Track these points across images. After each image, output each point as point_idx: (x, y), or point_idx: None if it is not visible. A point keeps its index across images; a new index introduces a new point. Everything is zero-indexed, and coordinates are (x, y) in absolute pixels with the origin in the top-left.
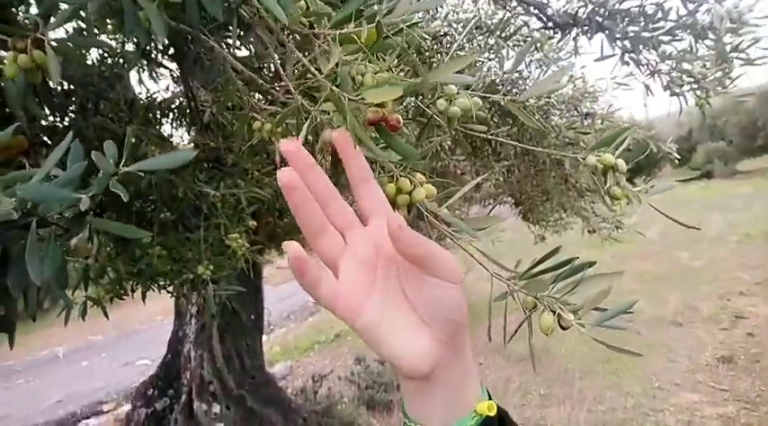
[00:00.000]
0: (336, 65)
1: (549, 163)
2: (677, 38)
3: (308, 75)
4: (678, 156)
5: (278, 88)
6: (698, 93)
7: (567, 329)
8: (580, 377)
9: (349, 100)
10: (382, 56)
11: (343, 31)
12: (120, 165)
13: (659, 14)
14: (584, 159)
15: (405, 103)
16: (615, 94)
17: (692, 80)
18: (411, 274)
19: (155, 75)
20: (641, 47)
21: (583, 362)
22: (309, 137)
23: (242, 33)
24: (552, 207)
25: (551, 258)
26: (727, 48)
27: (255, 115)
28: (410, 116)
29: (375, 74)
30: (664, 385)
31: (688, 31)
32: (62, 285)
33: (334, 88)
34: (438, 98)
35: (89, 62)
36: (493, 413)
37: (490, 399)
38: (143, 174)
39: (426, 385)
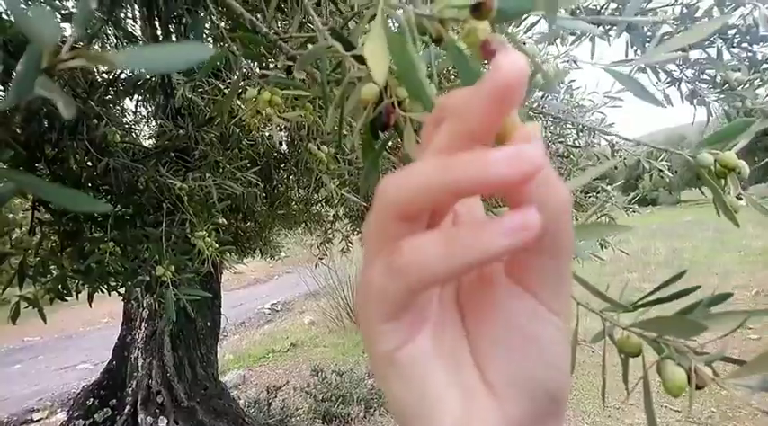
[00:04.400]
0: None
1: None
2: (710, 43)
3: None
4: (669, 174)
5: (287, 39)
6: (734, 103)
7: (701, 389)
8: None
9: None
10: None
11: None
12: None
13: (687, 16)
14: (693, 157)
15: None
16: (603, 110)
17: (718, 89)
18: (487, 296)
19: (122, 45)
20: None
21: None
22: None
23: None
24: None
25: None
26: (759, 56)
27: (247, 83)
28: None
29: None
30: (619, 405)
31: (717, 35)
32: None
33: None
34: None
35: None
36: None
37: None
38: (100, 158)
39: None
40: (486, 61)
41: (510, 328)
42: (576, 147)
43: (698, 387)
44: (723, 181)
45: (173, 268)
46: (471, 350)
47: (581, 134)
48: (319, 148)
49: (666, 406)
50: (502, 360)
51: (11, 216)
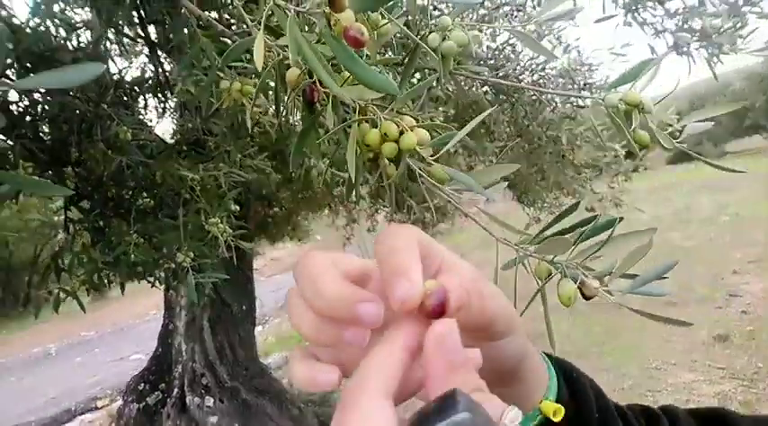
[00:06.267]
0: None
1: (545, 139)
2: None
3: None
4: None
5: (236, 30)
6: (709, 50)
7: (590, 299)
8: (575, 360)
9: (296, 11)
10: None
11: None
12: None
13: None
14: (602, 100)
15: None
16: (612, 67)
17: (700, 38)
18: None
19: (124, 49)
20: (646, 2)
21: (578, 345)
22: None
23: None
24: (548, 186)
25: (568, 216)
26: (740, 1)
27: (221, 75)
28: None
29: None
30: (660, 365)
31: None
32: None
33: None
34: (430, 32)
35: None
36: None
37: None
38: (114, 157)
39: None
40: (351, 46)
41: None
42: (583, 107)
43: (587, 297)
44: (630, 119)
45: (191, 254)
46: None
47: (583, 92)
48: None
49: (710, 364)
50: None
51: (56, 218)
